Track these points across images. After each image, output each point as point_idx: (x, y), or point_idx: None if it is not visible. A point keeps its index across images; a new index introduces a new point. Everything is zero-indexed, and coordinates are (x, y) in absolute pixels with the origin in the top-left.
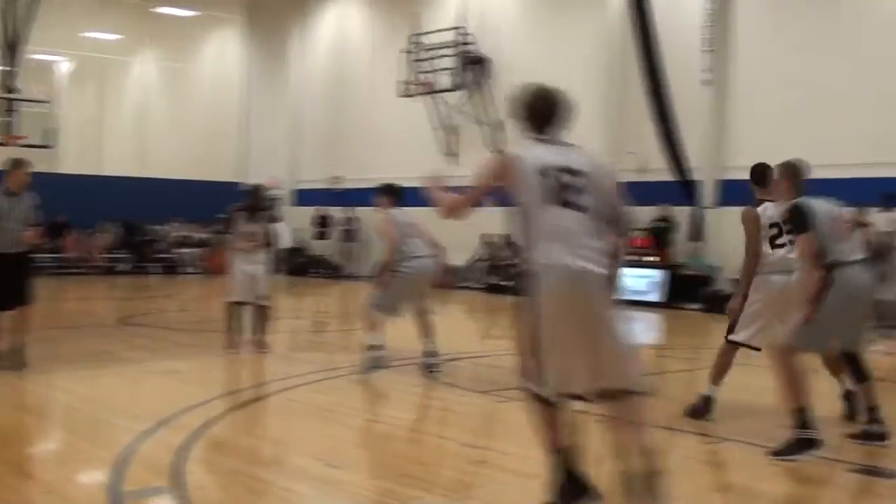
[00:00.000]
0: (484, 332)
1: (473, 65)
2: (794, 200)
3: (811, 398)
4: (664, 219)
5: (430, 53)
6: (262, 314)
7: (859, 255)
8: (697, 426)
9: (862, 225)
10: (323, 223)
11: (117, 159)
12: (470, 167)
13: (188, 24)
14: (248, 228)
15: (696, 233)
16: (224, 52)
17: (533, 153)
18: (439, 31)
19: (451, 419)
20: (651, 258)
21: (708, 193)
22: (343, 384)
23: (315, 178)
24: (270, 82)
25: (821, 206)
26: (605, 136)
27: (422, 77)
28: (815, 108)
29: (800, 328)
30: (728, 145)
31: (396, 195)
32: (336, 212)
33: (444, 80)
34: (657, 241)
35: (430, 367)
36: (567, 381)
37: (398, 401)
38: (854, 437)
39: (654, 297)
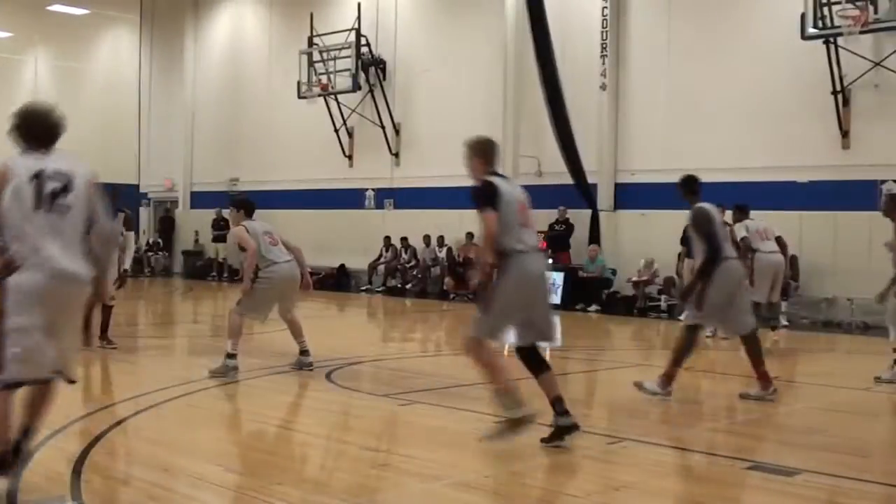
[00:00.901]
0: (384, 335)
1: (370, 67)
2: (485, 177)
3: (510, 377)
4: (561, 222)
5: (328, 55)
6: (108, 313)
7: (535, 244)
8: (598, 426)
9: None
10: (221, 226)
11: None
12: (364, 169)
13: (82, 22)
14: None
15: (594, 236)
16: (119, 51)
17: (23, 161)
18: (336, 32)
19: (353, 423)
20: (549, 261)
21: (604, 196)
22: (243, 389)
23: (212, 181)
24: (166, 83)
25: (508, 189)
26: (503, 140)
27: (321, 79)
28: (704, 114)
29: (480, 318)
30: (623, 149)
31: (248, 207)
32: None
33: (342, 81)
34: (555, 245)
35: (306, 365)
36: (36, 368)
37: (299, 406)
38: (546, 440)
39: (552, 299)
